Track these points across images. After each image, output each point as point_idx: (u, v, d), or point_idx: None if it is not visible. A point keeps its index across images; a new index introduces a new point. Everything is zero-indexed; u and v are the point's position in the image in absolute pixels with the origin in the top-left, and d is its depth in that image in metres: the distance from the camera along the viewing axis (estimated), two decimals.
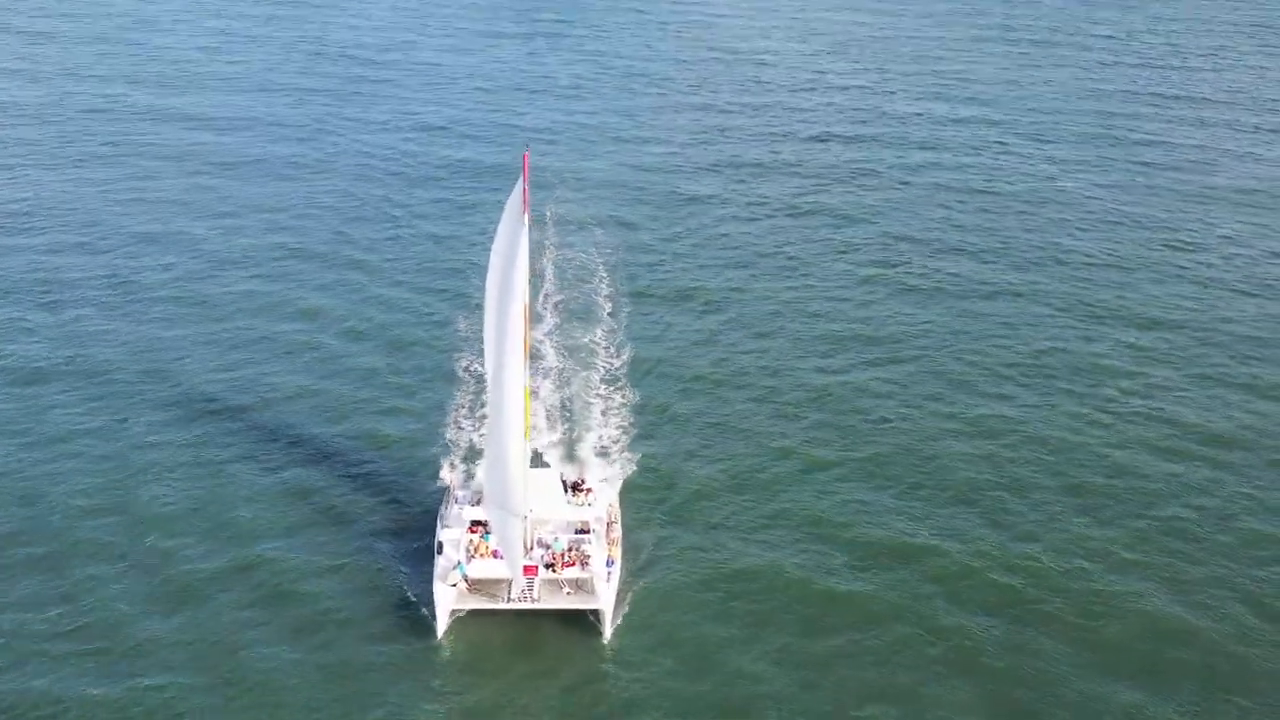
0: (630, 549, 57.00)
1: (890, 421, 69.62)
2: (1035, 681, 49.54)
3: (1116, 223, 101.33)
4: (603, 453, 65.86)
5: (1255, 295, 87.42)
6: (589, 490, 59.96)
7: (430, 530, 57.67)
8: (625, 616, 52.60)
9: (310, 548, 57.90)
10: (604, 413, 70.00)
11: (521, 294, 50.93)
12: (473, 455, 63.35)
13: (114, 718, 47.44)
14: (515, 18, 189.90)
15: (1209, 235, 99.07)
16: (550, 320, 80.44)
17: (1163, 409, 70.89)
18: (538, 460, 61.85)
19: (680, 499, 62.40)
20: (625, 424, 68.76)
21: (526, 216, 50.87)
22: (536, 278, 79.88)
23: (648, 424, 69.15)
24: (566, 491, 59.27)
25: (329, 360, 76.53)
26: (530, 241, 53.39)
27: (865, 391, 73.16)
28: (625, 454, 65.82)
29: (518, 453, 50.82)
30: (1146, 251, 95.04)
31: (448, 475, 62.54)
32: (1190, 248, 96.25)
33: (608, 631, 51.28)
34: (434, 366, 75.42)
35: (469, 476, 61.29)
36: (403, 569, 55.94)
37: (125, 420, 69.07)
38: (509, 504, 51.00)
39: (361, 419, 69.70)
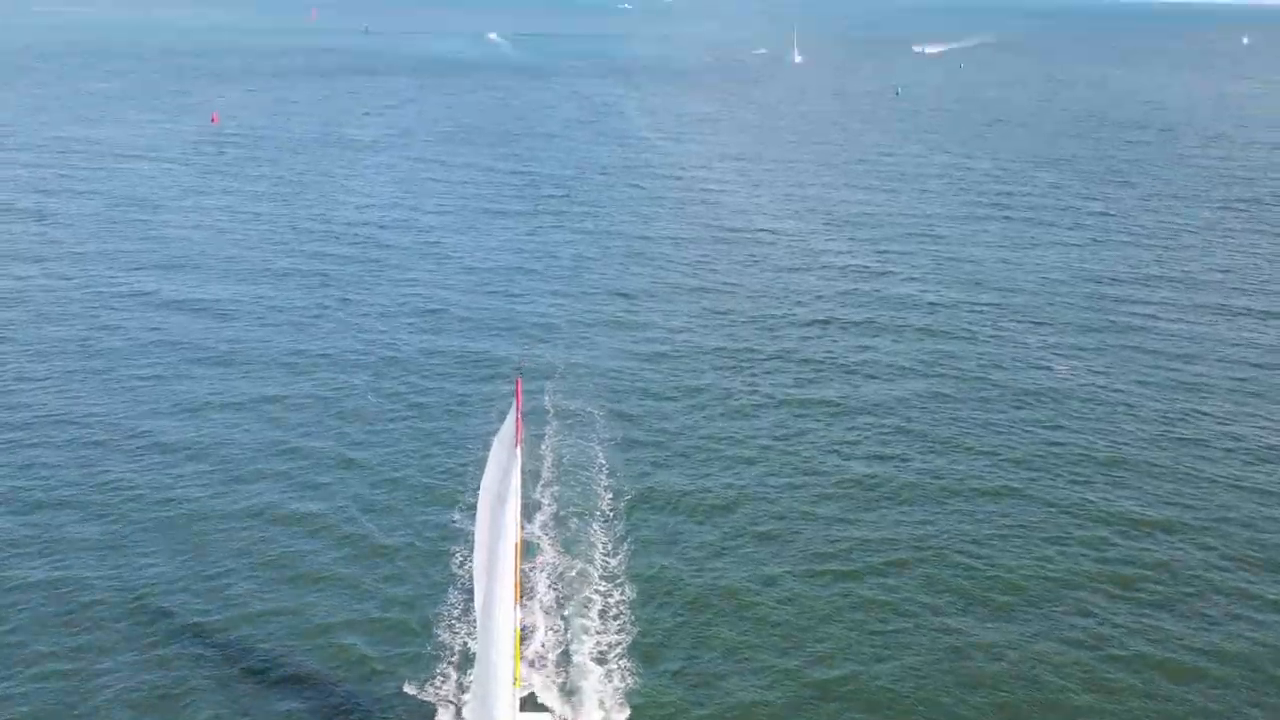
0: None
1: (902, 636, 68.22)
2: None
3: (1111, 413, 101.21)
4: (605, 676, 64.25)
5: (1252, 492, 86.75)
6: None
7: None
8: None
9: None
10: (601, 651, 68.44)
11: (512, 533, 50.19)
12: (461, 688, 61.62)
13: None
14: (518, 194, 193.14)
15: (1204, 428, 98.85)
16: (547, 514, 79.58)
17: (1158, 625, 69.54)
18: (532, 704, 60.21)
19: None
20: (626, 646, 67.20)
21: (519, 450, 50.40)
22: (531, 506, 79.09)
23: (650, 646, 67.70)
24: None
25: (311, 575, 75.21)
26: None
27: (877, 603, 71.89)
28: (628, 679, 64.23)
29: (505, 712, 49.38)
30: (1143, 448, 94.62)
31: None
32: (1189, 442, 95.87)
33: None
34: (420, 578, 74.12)
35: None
36: None
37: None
38: None
39: (337, 638, 68.22)
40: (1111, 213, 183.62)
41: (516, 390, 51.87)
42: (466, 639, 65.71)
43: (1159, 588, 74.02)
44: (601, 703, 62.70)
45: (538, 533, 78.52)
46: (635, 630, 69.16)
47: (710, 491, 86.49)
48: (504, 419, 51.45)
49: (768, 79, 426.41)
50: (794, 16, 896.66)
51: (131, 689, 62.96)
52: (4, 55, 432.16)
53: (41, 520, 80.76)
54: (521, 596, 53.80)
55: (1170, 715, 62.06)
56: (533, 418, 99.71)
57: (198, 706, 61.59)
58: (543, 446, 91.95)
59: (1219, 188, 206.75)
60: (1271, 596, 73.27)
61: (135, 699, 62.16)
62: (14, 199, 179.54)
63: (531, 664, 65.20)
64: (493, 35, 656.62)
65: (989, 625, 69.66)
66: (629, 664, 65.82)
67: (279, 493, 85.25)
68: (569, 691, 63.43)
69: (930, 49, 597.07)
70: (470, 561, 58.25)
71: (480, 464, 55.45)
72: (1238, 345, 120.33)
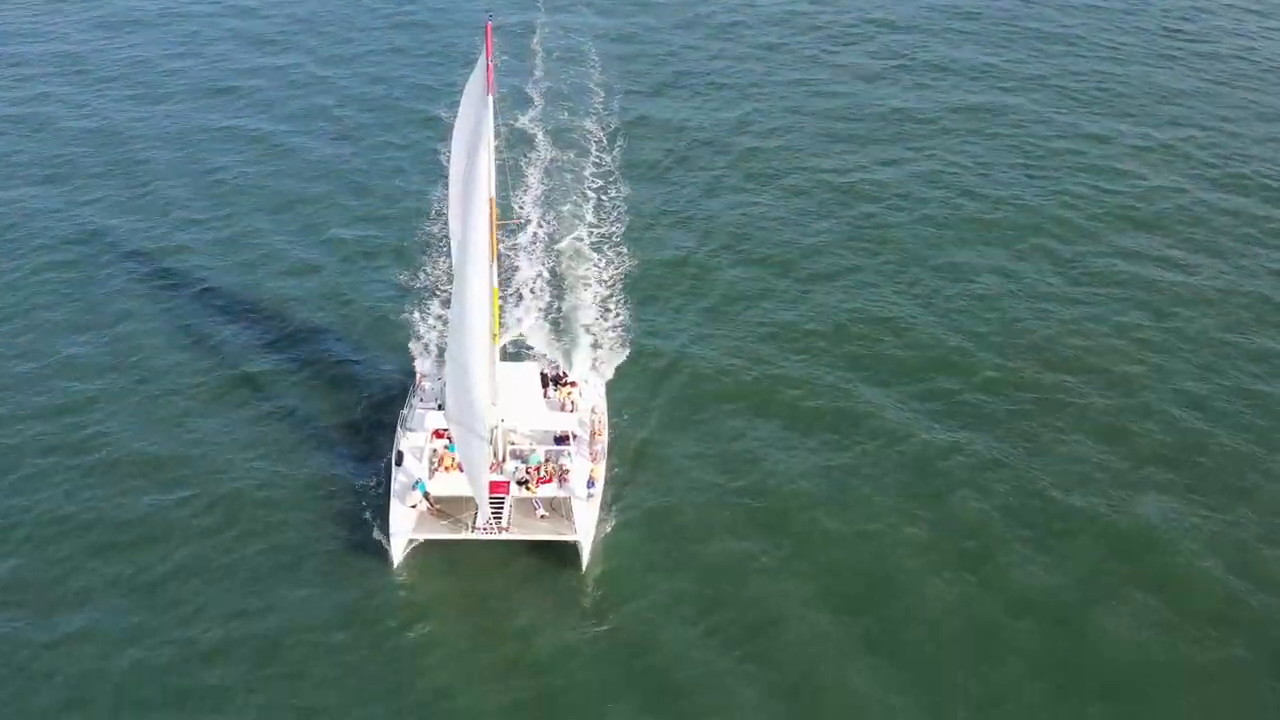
0: (618, 454, 51.65)
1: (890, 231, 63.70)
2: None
3: None
4: (602, 313, 60.41)
5: None
6: (572, 385, 54.17)
7: (392, 430, 52.13)
8: (608, 543, 47.19)
9: (250, 444, 52.41)
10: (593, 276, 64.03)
11: (486, 187, 44.12)
12: (444, 341, 57.26)
13: None
14: None
15: None
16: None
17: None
18: (514, 351, 56.16)
19: (682, 382, 56.83)
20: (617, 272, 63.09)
21: (491, 98, 43.60)
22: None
23: (645, 284, 63.42)
24: (546, 386, 53.58)
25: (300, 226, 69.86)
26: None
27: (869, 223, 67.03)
28: (616, 325, 60.23)
29: (482, 371, 44.65)
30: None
31: (416, 363, 56.62)
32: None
33: (585, 561, 46.13)
34: (403, 236, 68.74)
35: (440, 365, 55.09)
36: (356, 479, 50.56)
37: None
38: (473, 426, 45.26)
39: (319, 289, 63.64)
40: None
41: (486, 36, 44.42)
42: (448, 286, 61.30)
43: None
44: (594, 345, 59.15)
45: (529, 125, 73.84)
46: (629, 263, 65.30)
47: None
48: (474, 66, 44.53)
49: None
50: None
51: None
52: None
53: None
54: (499, 255, 48.64)
55: None
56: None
57: (172, 357, 57.94)
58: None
59: None
60: None
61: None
62: None
63: (520, 296, 61.90)
64: None
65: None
66: (623, 299, 62.25)
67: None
68: (560, 333, 59.81)
69: None
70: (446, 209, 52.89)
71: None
72: None
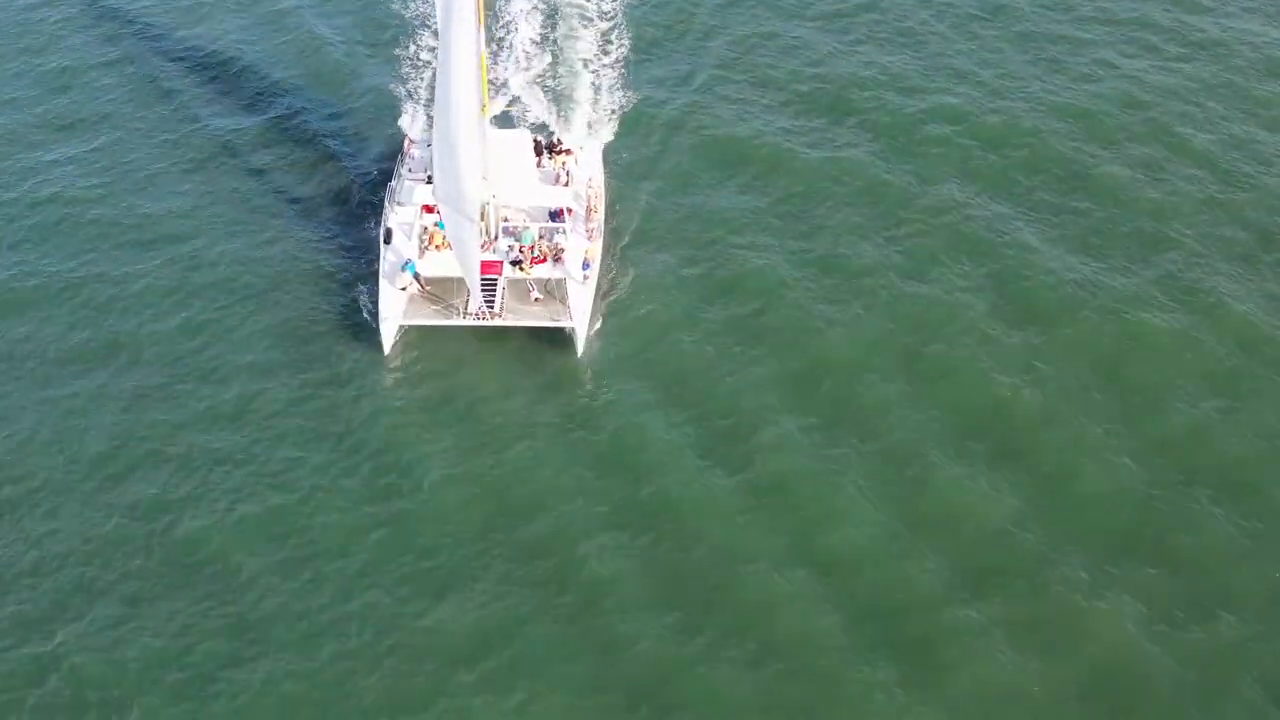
0: (616, 228, 49.19)
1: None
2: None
3: None
4: (595, 86, 56.71)
5: None
6: (568, 153, 51.17)
7: (381, 203, 49.46)
8: (606, 327, 45.12)
9: (235, 220, 49.98)
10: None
11: None
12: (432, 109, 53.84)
13: None
14: None
15: None
16: None
17: None
18: (506, 115, 52.99)
19: (674, 160, 53.71)
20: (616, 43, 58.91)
21: None
22: None
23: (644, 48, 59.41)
24: (540, 155, 50.64)
25: None
26: None
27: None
28: (614, 93, 56.68)
29: (471, 149, 41.47)
30: None
31: (404, 125, 53.43)
32: None
33: (580, 349, 44.27)
34: None
35: (430, 129, 51.64)
36: (344, 257, 48.30)
37: None
38: (462, 208, 42.67)
39: (303, 46, 59.86)
40: None
41: None
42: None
43: None
44: (590, 121, 55.82)
45: None
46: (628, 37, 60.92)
47: None
48: None
49: None
50: None
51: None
52: None
53: None
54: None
55: None
56: None
57: (152, 118, 54.92)
58: None
59: None
60: None
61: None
62: None
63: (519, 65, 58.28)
64: None
65: None
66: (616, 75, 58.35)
67: None
68: (556, 96, 56.52)
69: None
70: None
71: None
72: None
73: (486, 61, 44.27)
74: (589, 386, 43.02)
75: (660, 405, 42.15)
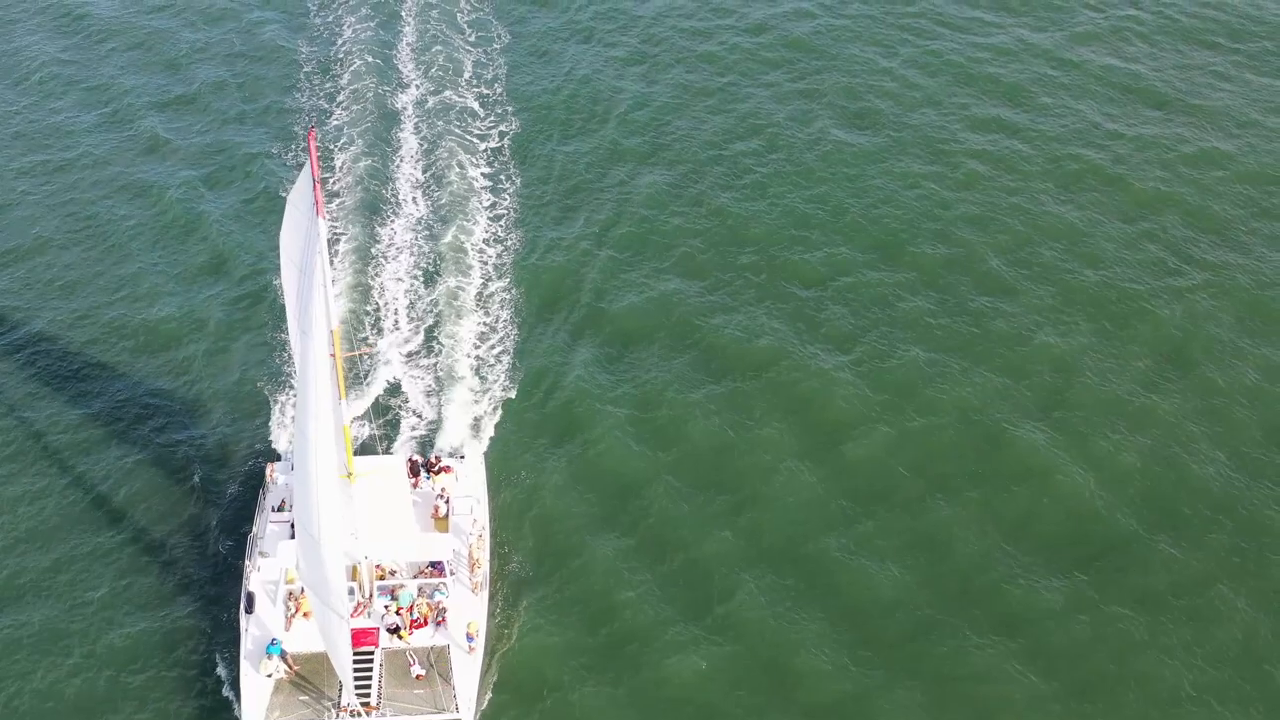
0: (503, 576, 44.96)
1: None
2: None
3: None
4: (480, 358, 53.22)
5: None
6: (446, 470, 47.16)
7: (243, 548, 44.79)
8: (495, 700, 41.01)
9: (70, 569, 45.05)
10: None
11: (326, 322, 36.01)
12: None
13: None
14: None
15: None
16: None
17: None
18: (376, 443, 48.86)
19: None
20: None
21: (322, 221, 35.19)
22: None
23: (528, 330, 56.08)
24: (416, 475, 46.52)
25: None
26: None
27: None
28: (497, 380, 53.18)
29: (335, 541, 36.63)
30: None
31: (270, 469, 47.81)
32: None
33: None
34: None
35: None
36: (203, 620, 43.50)
37: None
38: (329, 601, 38.14)
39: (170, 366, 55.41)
40: None
41: (310, 145, 35.24)
42: None
43: None
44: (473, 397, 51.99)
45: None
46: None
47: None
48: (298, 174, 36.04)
49: None
50: None
51: None
52: None
53: None
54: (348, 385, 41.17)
55: None
56: None
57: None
58: None
59: None
60: None
61: None
62: None
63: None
64: None
65: None
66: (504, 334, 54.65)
67: None
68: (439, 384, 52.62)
69: None
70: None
71: None
72: None
73: (349, 430, 39.84)
74: None
75: None
